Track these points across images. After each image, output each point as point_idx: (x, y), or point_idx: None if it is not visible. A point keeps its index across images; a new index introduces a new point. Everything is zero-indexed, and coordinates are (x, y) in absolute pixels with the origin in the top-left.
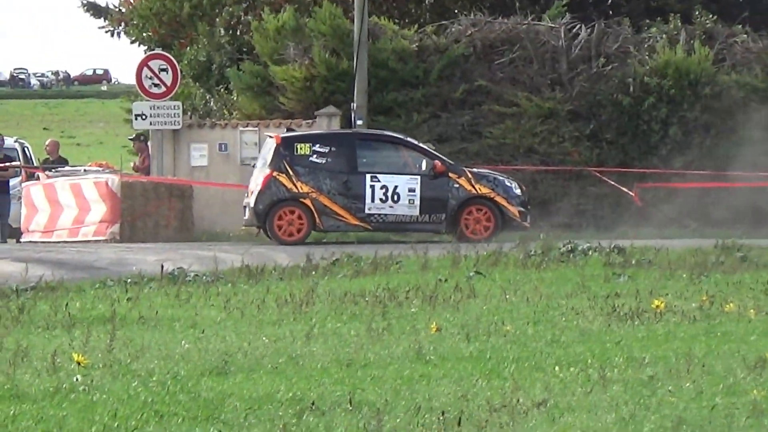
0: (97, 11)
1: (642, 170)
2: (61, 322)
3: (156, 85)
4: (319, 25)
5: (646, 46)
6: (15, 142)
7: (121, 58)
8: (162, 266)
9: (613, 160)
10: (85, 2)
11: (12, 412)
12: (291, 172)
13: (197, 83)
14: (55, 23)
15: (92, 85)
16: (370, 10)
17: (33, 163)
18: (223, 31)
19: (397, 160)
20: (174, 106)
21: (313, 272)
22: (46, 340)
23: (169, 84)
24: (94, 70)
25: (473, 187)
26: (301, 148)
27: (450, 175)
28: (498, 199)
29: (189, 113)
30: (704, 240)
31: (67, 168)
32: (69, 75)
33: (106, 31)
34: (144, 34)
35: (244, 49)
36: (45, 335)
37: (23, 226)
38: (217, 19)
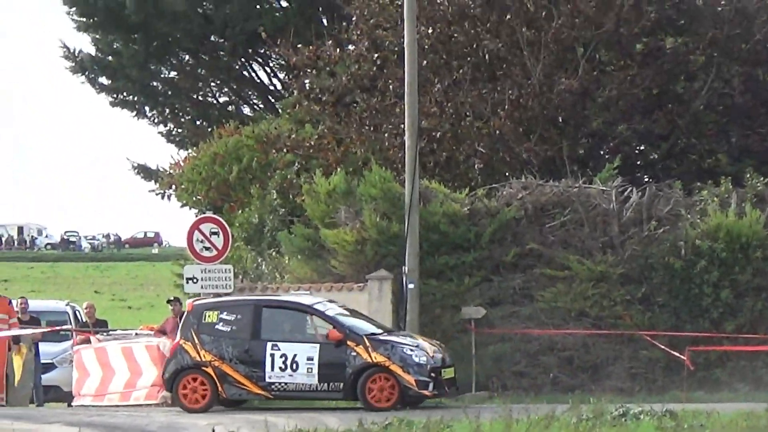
0: (147, 174)
1: (694, 334)
2: None
3: (207, 249)
4: (369, 189)
5: (697, 209)
6: (66, 305)
7: (172, 220)
8: (213, 430)
9: (665, 323)
10: (135, 165)
11: None
12: (196, 340)
13: (249, 246)
14: (106, 186)
15: (143, 248)
16: (420, 173)
17: (84, 326)
18: (275, 194)
19: (300, 328)
20: (225, 270)
21: None
22: None
23: (220, 247)
24: (145, 233)
25: (369, 355)
26: (208, 316)
27: (348, 342)
28: (393, 367)
29: (240, 276)
30: (756, 404)
31: (119, 331)
32: (120, 238)
33: (157, 194)
34: (194, 198)
35: (296, 213)
36: None
37: (75, 389)
38: (269, 182)
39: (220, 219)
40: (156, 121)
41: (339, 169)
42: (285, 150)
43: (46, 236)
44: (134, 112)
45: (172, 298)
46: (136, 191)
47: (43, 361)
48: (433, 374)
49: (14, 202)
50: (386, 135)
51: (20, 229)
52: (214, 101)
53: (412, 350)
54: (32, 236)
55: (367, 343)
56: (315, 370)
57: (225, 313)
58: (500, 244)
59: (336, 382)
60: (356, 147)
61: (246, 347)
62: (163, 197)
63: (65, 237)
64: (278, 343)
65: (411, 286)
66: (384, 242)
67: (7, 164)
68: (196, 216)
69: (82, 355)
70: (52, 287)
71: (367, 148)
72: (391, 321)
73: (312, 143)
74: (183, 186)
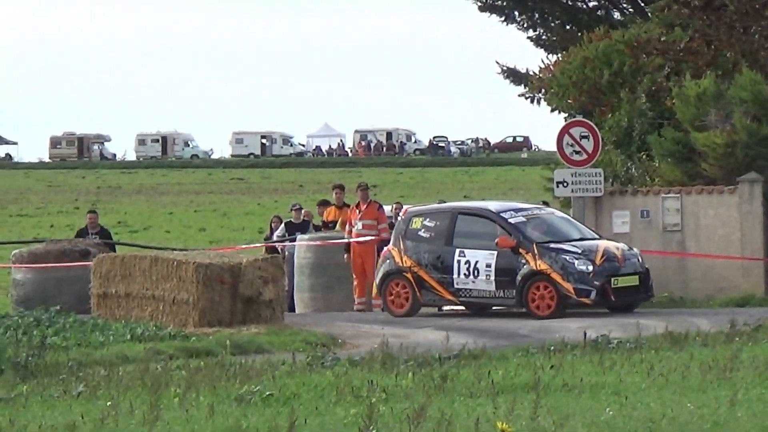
0: (516, 78)
1: None
2: (485, 390)
3: (577, 153)
4: (739, 91)
5: None
6: None
7: (541, 125)
8: (585, 333)
9: None
10: (504, 69)
11: None
12: (401, 246)
13: (618, 150)
14: (475, 90)
15: (512, 153)
16: None
17: None
18: (644, 98)
19: (485, 235)
20: (595, 174)
21: (737, 338)
22: (470, 408)
23: (590, 151)
24: (514, 138)
25: (535, 262)
26: (414, 222)
27: (520, 250)
28: (553, 275)
29: (610, 180)
30: None
31: None
32: (489, 142)
33: (526, 98)
34: (564, 102)
35: (665, 116)
36: (468, 403)
37: None
38: (638, 86)
39: (590, 123)
40: (525, 25)
41: (709, 72)
42: (655, 53)
43: (415, 141)
44: (503, 17)
45: (540, 203)
46: (505, 96)
47: None
48: (597, 282)
49: (386, 107)
50: (756, 37)
51: (389, 135)
52: (584, 5)
53: (576, 258)
54: (401, 141)
55: (535, 251)
56: (492, 277)
57: (428, 219)
58: None
59: (509, 289)
60: (726, 49)
61: (439, 254)
62: (532, 101)
63: (434, 142)
64: (464, 250)
65: None
66: (754, 144)
67: (375, 68)
68: (566, 120)
69: None
70: (421, 192)
71: (737, 50)
72: (761, 223)
73: (682, 46)
74: (553, 90)
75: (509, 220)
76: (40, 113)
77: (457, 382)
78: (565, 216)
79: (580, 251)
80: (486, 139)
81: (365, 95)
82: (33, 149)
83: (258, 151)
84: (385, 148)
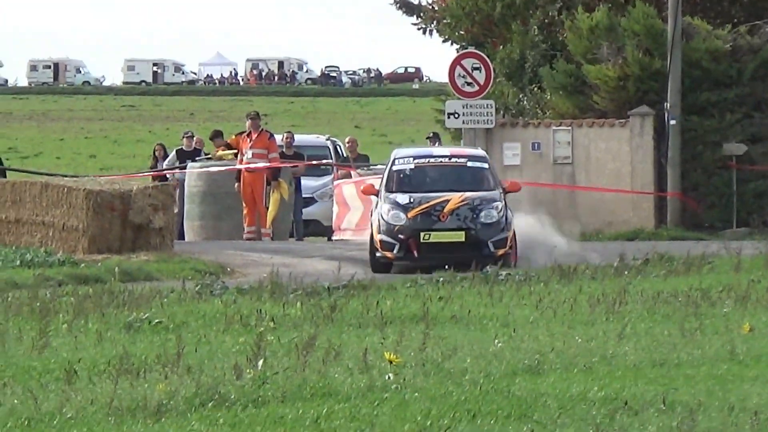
0: (409, 9)
1: None
2: (373, 321)
3: (469, 84)
4: (632, 25)
5: None
6: (327, 140)
7: (433, 56)
8: (473, 264)
9: None
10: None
11: (325, 410)
12: None
13: (510, 82)
14: (367, 20)
15: (404, 84)
16: (683, 9)
17: (345, 161)
18: (536, 30)
19: None
20: (487, 105)
21: (626, 272)
22: (358, 338)
23: (482, 83)
24: (406, 69)
25: (373, 212)
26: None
27: (378, 198)
28: (373, 227)
29: (502, 112)
30: None
31: (379, 166)
32: (380, 73)
33: (419, 29)
34: (456, 33)
35: (558, 48)
36: (357, 333)
37: (335, 224)
38: (531, 18)
39: (483, 54)
40: None
41: (601, 5)
42: None
43: (307, 71)
44: None
45: (431, 134)
46: (398, 26)
47: (303, 196)
48: (402, 236)
49: (276, 37)
50: None
51: (281, 64)
52: None
53: (391, 210)
54: (293, 71)
55: (380, 201)
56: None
57: None
58: (762, 80)
59: None
60: None
61: None
62: (424, 32)
63: (326, 72)
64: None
65: (673, 122)
66: (646, 78)
67: None
68: (458, 51)
69: (342, 190)
70: (312, 122)
71: None
72: (652, 157)
73: None
74: (446, 21)
75: (391, 167)
76: None
77: (345, 312)
78: (482, 166)
79: (402, 203)
80: (377, 69)
81: (257, 24)
82: None
83: (150, 79)
84: (276, 78)
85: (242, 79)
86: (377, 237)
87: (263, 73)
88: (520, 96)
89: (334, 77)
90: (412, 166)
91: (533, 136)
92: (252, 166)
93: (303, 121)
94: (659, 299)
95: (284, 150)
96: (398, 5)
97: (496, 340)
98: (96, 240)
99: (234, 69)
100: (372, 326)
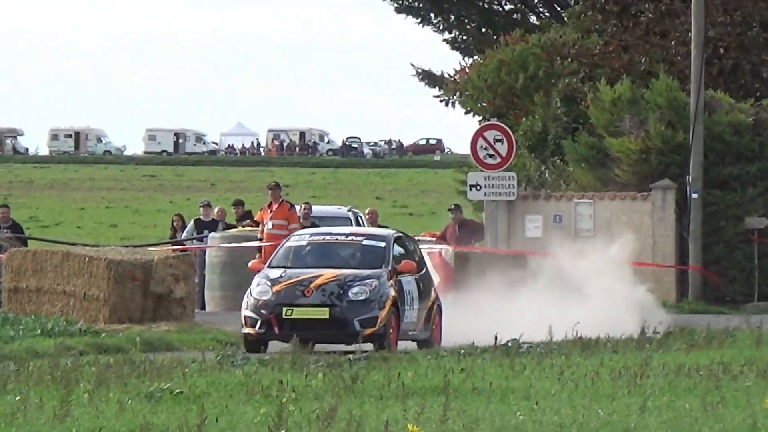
0: (431, 80)
1: None
2: (395, 393)
3: (491, 156)
4: (655, 97)
5: None
6: (348, 211)
7: (455, 127)
8: (495, 337)
9: None
10: (420, 71)
11: None
12: None
13: (532, 154)
14: (389, 91)
15: (425, 155)
16: (706, 82)
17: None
18: (559, 102)
19: None
20: (509, 177)
21: (647, 345)
22: (380, 410)
23: (504, 155)
24: (427, 140)
25: None
26: None
27: None
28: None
29: (524, 184)
30: None
31: None
32: (402, 144)
33: (441, 101)
34: (479, 105)
35: (580, 121)
36: (378, 405)
37: None
38: (553, 90)
39: (505, 126)
40: (441, 27)
41: (624, 78)
42: (570, 59)
43: (328, 142)
44: (419, 19)
45: (452, 206)
46: (420, 98)
47: None
48: (264, 311)
49: (297, 107)
50: (672, 43)
51: (302, 135)
52: (500, 9)
53: (258, 285)
54: (314, 141)
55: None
56: None
57: None
58: None
59: None
60: (641, 55)
61: None
62: (447, 104)
63: (347, 143)
64: None
65: (695, 195)
66: (668, 151)
67: (289, 67)
68: (480, 123)
69: None
70: (334, 193)
71: (653, 56)
72: (673, 230)
73: (597, 51)
74: (468, 93)
75: (284, 243)
76: None
77: (367, 383)
78: (377, 245)
79: (273, 277)
80: (399, 140)
81: (279, 94)
82: None
83: (171, 149)
84: (297, 148)
85: (263, 150)
86: (243, 312)
87: (284, 144)
88: (542, 168)
89: (356, 148)
90: (304, 243)
91: (555, 209)
92: (269, 240)
93: (324, 192)
94: (681, 373)
95: (302, 221)
96: (420, 77)
97: (518, 413)
98: (117, 309)
99: (255, 139)
100: (393, 398)
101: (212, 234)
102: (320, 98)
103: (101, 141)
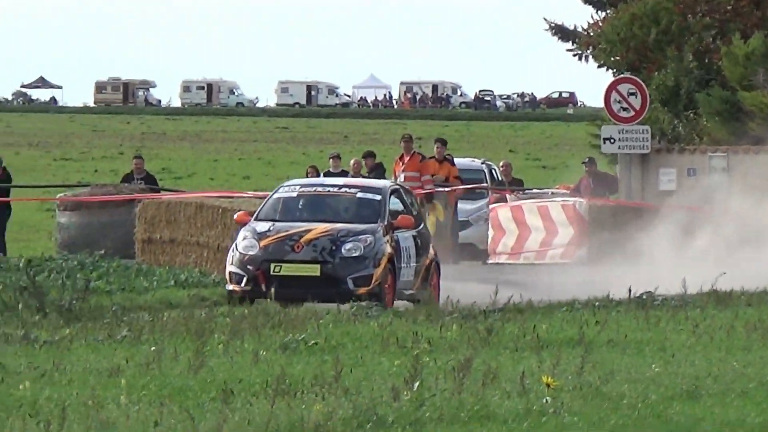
0: (564, 34)
1: None
2: (530, 344)
3: (625, 109)
4: None
5: None
6: (482, 163)
7: (587, 81)
8: (629, 290)
9: None
10: (552, 25)
11: None
12: None
13: (665, 108)
14: (522, 45)
15: (558, 108)
16: None
17: (500, 185)
18: (691, 57)
19: None
20: (642, 131)
21: None
22: (515, 361)
23: (638, 108)
24: (560, 93)
25: None
26: None
27: None
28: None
29: (657, 138)
30: None
31: (534, 190)
32: (535, 97)
33: (574, 55)
34: (612, 59)
35: (713, 74)
36: (513, 357)
37: (490, 247)
38: (686, 45)
39: (638, 80)
40: None
41: (757, 32)
42: (702, 14)
43: (461, 94)
44: None
45: (587, 159)
46: (552, 51)
47: (459, 219)
48: (250, 267)
49: (430, 60)
50: None
51: (435, 87)
52: None
53: (244, 239)
54: (447, 94)
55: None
56: None
57: None
58: None
59: None
60: None
61: None
62: (580, 58)
63: (480, 95)
64: None
65: None
66: None
67: (423, 20)
68: (614, 76)
69: (498, 214)
70: (466, 146)
71: None
72: None
73: (730, 7)
74: (601, 46)
75: (272, 195)
76: (86, 58)
77: (502, 335)
78: (372, 198)
79: (260, 231)
80: (532, 93)
81: (412, 47)
82: (78, 94)
83: (303, 101)
84: (430, 101)
85: (396, 102)
86: (228, 268)
87: (417, 96)
88: (675, 122)
89: (488, 101)
90: (294, 195)
91: (689, 162)
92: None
93: (457, 144)
94: None
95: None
96: (553, 31)
97: (653, 365)
98: None
99: (388, 92)
100: (528, 350)
101: None
102: (453, 51)
103: (234, 93)
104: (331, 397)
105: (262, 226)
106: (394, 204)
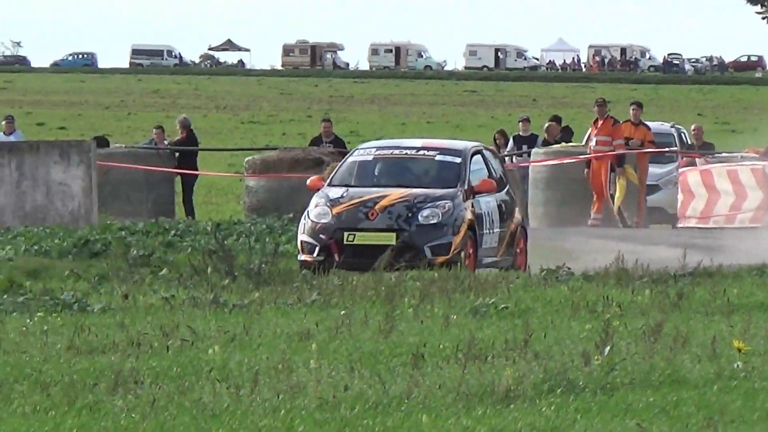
0: None
1: None
2: (720, 309)
3: None
4: None
5: None
6: (671, 127)
7: None
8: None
9: None
10: None
11: (674, 397)
12: None
13: None
14: (711, 8)
15: (746, 72)
16: None
17: (689, 148)
18: None
19: None
20: None
21: None
22: (705, 325)
23: None
24: (749, 57)
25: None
26: None
27: None
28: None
29: None
30: None
31: (724, 154)
32: (723, 61)
33: (763, 18)
34: None
35: None
36: (704, 321)
37: (679, 212)
38: None
39: None
40: None
41: None
42: None
43: (649, 58)
44: None
45: None
46: (741, 14)
47: (648, 183)
48: (323, 236)
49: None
50: None
51: (623, 51)
52: None
53: (317, 206)
54: (635, 58)
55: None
56: None
57: None
58: None
59: None
60: None
61: None
62: None
63: (668, 59)
64: None
65: None
66: None
67: None
68: None
69: (687, 177)
70: (655, 109)
71: None
72: None
73: None
74: None
75: (346, 159)
76: (274, 20)
77: (692, 299)
78: (452, 161)
79: (333, 197)
80: (720, 57)
81: (601, 10)
82: (266, 57)
83: (491, 64)
84: (619, 64)
85: (584, 66)
86: (300, 237)
87: (605, 60)
88: None
89: (677, 65)
90: (370, 158)
91: None
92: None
93: (645, 108)
94: None
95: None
96: None
97: None
98: None
99: (576, 55)
100: (719, 314)
101: (535, 149)
102: (641, 15)
103: (422, 56)
104: (522, 361)
105: (335, 192)
106: (476, 166)
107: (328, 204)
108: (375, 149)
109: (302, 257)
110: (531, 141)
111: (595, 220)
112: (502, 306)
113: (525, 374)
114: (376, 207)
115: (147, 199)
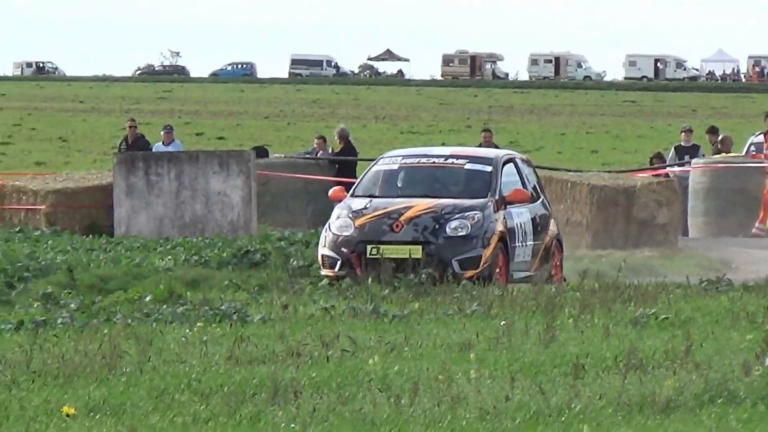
0: None
1: None
2: None
3: None
4: None
5: None
6: None
7: None
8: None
9: None
10: None
11: None
12: None
13: None
14: None
15: None
16: None
17: None
18: None
19: None
20: None
21: None
22: None
23: None
24: None
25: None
26: None
27: None
28: (320, 239)
29: None
30: None
31: None
32: None
33: None
34: None
35: None
36: None
37: None
38: None
39: None
40: None
41: None
42: None
43: None
44: None
45: None
46: None
47: None
48: (344, 249)
49: None
50: None
51: None
52: None
53: (338, 218)
54: None
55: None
56: None
57: None
58: None
59: None
60: None
61: None
62: None
63: None
64: None
65: None
66: None
67: None
68: None
69: None
70: None
71: None
72: None
73: None
74: None
75: (371, 168)
76: (433, 30)
77: None
78: (482, 170)
79: (356, 209)
80: None
81: (760, 21)
82: (425, 66)
83: (651, 74)
84: None
85: (744, 76)
86: (320, 251)
87: (765, 70)
88: None
89: None
90: (395, 167)
91: None
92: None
93: None
94: None
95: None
96: None
97: None
98: (599, 235)
99: (736, 65)
100: None
101: (695, 159)
102: None
103: (581, 66)
104: (682, 371)
105: (359, 203)
106: (508, 176)
107: (351, 216)
108: (401, 158)
109: (323, 272)
110: (693, 151)
111: (759, 230)
112: (663, 316)
113: (685, 384)
114: (401, 218)
115: (306, 209)
